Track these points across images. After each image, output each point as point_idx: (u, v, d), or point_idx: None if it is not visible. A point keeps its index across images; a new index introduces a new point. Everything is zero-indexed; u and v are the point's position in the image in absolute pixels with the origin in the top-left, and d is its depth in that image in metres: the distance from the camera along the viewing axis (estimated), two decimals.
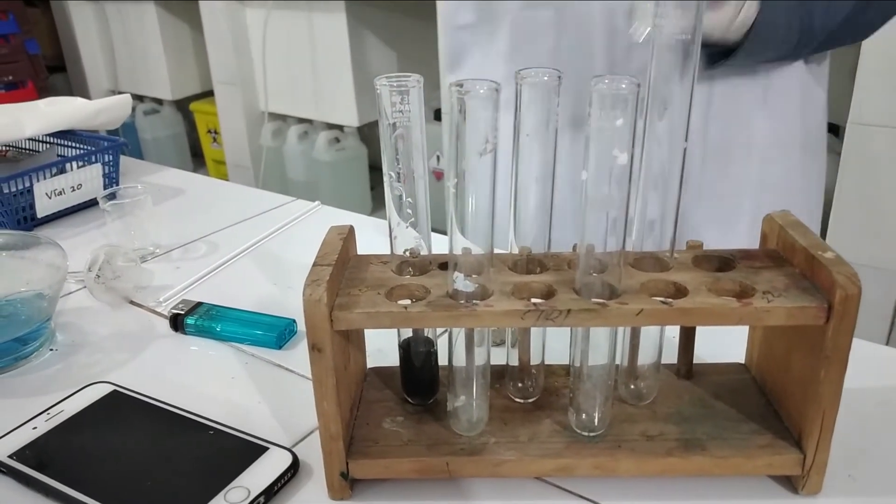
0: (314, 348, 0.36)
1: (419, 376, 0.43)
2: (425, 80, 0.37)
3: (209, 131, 2.56)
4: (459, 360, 0.39)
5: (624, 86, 0.32)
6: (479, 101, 0.33)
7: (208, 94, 2.54)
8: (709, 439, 0.40)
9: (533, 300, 0.37)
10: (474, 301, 0.36)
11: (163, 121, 2.71)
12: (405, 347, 0.43)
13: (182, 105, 2.67)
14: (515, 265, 0.40)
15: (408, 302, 0.38)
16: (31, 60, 2.59)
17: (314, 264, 0.38)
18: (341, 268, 0.40)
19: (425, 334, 0.43)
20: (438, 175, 1.99)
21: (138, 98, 2.71)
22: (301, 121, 2.31)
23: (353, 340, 0.42)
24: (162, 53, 2.55)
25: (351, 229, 0.42)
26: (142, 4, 2.52)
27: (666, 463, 0.39)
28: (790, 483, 0.40)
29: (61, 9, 2.80)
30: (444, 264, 0.40)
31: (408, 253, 0.40)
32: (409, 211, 0.39)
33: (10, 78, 2.52)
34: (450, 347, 0.39)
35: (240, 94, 2.34)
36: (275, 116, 2.36)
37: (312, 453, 0.43)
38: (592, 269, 0.37)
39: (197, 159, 2.75)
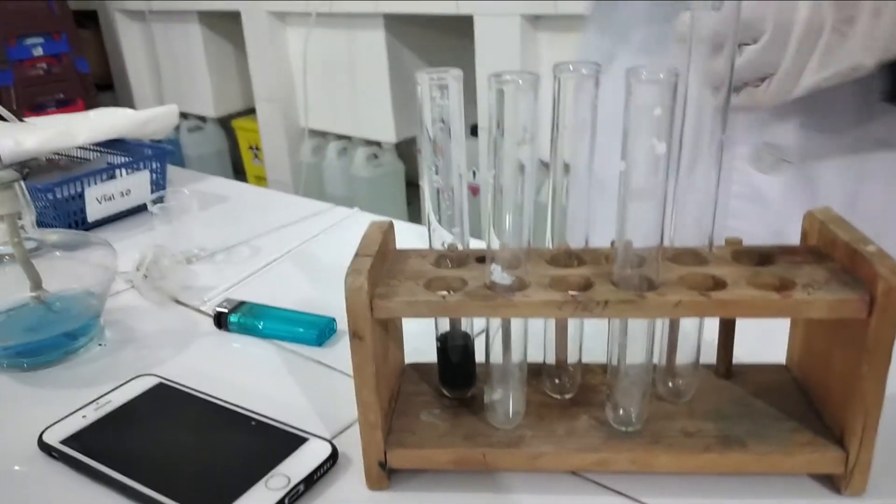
0: (355, 336, 0.37)
1: (456, 369, 0.43)
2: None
3: (251, 147, 2.62)
4: (496, 352, 0.40)
5: (662, 74, 0.33)
6: (517, 90, 0.34)
7: (250, 111, 2.60)
8: (748, 436, 0.39)
9: (570, 292, 0.37)
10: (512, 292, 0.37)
11: (206, 137, 2.77)
12: (443, 341, 0.43)
13: (225, 122, 2.74)
14: (553, 259, 0.41)
15: (446, 293, 0.38)
16: (81, 79, 2.68)
17: (356, 255, 0.39)
18: (382, 259, 0.40)
19: (462, 329, 0.43)
20: (474, 190, 2.01)
21: (183, 115, 2.78)
22: (340, 137, 2.34)
23: (391, 333, 0.43)
24: (206, 71, 2.62)
25: (391, 224, 0.43)
26: (187, 24, 2.59)
27: (704, 459, 0.38)
28: (833, 484, 0.39)
29: (110, 29, 2.90)
30: (481, 258, 0.41)
31: (446, 246, 0.41)
32: (448, 203, 0.39)
33: (62, 96, 2.62)
34: (487, 339, 0.40)
35: (281, 111, 2.39)
36: (315, 133, 2.40)
37: (351, 445, 0.43)
38: (630, 264, 0.37)
39: (238, 175, 2.82)
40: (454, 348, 0.43)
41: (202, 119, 2.77)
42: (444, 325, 0.43)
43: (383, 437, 0.40)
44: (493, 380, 0.41)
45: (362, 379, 0.38)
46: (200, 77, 2.65)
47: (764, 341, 0.46)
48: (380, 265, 0.40)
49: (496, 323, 0.39)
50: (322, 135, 2.39)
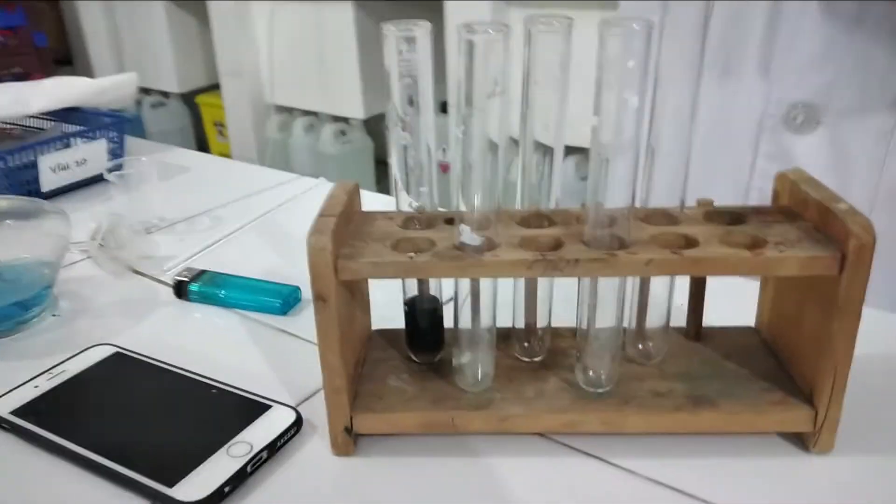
0: (319, 298, 0.36)
1: (424, 333, 0.42)
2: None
3: (215, 124, 2.57)
4: (465, 315, 0.39)
5: (636, 26, 0.32)
6: (488, 41, 0.32)
7: (214, 87, 2.54)
8: (718, 396, 0.39)
9: (540, 252, 0.36)
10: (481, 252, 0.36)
11: (169, 114, 2.71)
12: (410, 305, 0.42)
13: (188, 98, 2.68)
14: (523, 220, 0.40)
15: (413, 254, 0.37)
16: (39, 53, 2.60)
17: (319, 215, 0.37)
18: (346, 221, 0.39)
19: (430, 293, 0.42)
20: (444, 168, 1.99)
21: (145, 91, 2.71)
22: (307, 113, 2.30)
23: (357, 297, 0.42)
24: (169, 45, 2.55)
25: (356, 185, 0.42)
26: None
27: (674, 419, 0.38)
28: (801, 442, 0.39)
29: (69, 3, 2.81)
30: (450, 220, 0.40)
31: (413, 206, 0.40)
32: (414, 163, 0.38)
33: (18, 70, 2.53)
34: (455, 302, 0.39)
35: (246, 86, 2.34)
36: (281, 109, 2.36)
37: (317, 412, 0.42)
38: (601, 224, 0.36)
39: (203, 152, 2.76)
40: (422, 312, 0.42)
41: (165, 95, 2.70)
42: (412, 288, 0.42)
43: (349, 401, 0.39)
44: (462, 342, 0.40)
45: (327, 343, 0.37)
46: (163, 51, 2.58)
47: (734, 305, 0.46)
48: (344, 226, 0.38)
49: (465, 286, 0.38)
50: (289, 111, 2.35)
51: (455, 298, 0.38)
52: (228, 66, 2.37)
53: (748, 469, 0.38)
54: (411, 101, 0.38)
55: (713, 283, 0.43)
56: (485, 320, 0.39)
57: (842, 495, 0.36)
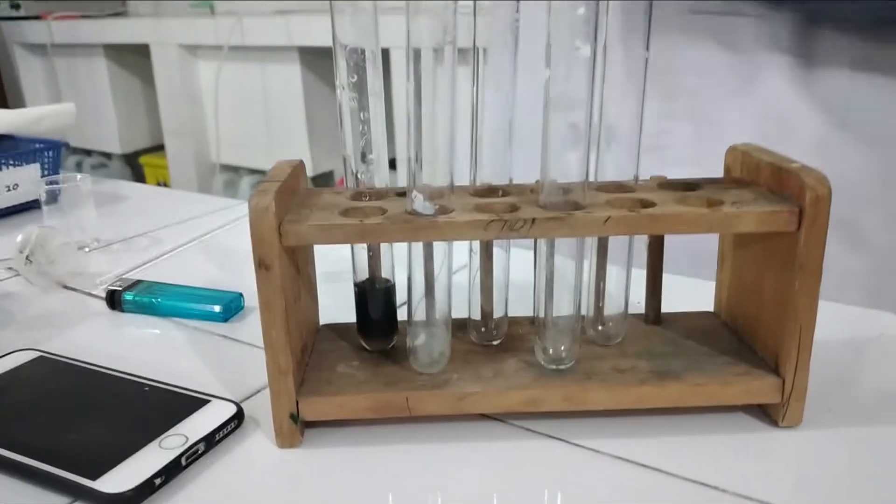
0: (261, 266, 0.34)
1: (376, 318, 0.40)
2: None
3: (159, 184, 2.52)
4: (418, 293, 0.37)
5: None
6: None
7: (159, 147, 2.51)
8: (683, 370, 0.38)
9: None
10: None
11: (111, 175, 2.65)
12: (361, 288, 0.40)
13: (131, 159, 2.63)
14: (476, 192, 0.38)
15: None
16: None
17: (261, 181, 0.35)
18: (291, 191, 0.37)
19: (382, 275, 0.40)
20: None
21: (87, 153, 2.66)
22: (253, 171, 2.28)
23: (304, 279, 0.39)
24: (111, 107, 2.52)
25: (301, 162, 0.40)
26: (92, 58, 2.50)
27: (639, 392, 0.36)
28: (769, 418, 0.38)
29: (8, 62, 2.76)
30: (402, 193, 0.38)
31: (362, 177, 0.38)
32: (364, 128, 0.37)
33: None
34: (409, 279, 0.37)
35: (191, 146, 2.31)
36: (226, 168, 2.33)
37: (260, 410, 0.39)
38: (556, 192, 0.35)
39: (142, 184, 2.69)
40: (374, 294, 0.40)
41: (107, 156, 2.65)
42: (363, 272, 0.40)
43: (295, 386, 0.36)
44: (416, 323, 0.38)
45: (270, 315, 0.34)
46: (106, 113, 2.54)
47: (690, 295, 0.45)
48: (289, 195, 0.37)
49: (419, 264, 0.37)
50: (235, 169, 2.33)
51: (409, 270, 0.36)
52: (173, 125, 2.35)
53: (716, 444, 0.36)
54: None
55: (669, 281, 0.43)
56: (440, 297, 0.37)
57: (813, 469, 0.35)
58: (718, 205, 0.35)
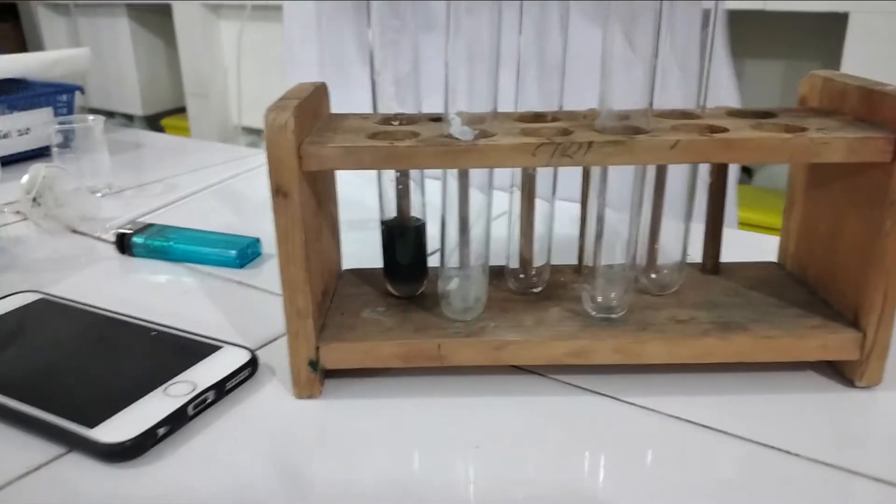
0: (279, 193, 0.30)
1: (406, 259, 0.36)
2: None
3: None
4: (453, 227, 0.33)
5: None
6: None
7: (180, 110, 2.48)
8: (749, 322, 0.33)
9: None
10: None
11: None
12: (389, 227, 0.36)
13: (153, 121, 2.61)
14: (521, 119, 0.34)
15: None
16: None
17: (279, 99, 0.31)
18: (313, 113, 0.33)
19: (412, 214, 0.36)
20: None
21: (109, 114, 2.63)
22: None
23: (325, 213, 0.36)
24: (134, 68, 2.49)
25: (324, 84, 0.36)
26: (114, 18, 2.47)
27: (702, 345, 0.32)
28: (843, 377, 0.34)
29: (31, 23, 2.74)
30: (436, 119, 0.34)
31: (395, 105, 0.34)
32: (397, 34, 0.33)
33: None
34: (443, 211, 0.33)
35: (213, 108, 2.28)
36: (249, 130, 2.30)
37: (276, 358, 0.36)
38: (615, 117, 0.31)
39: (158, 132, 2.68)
40: (403, 233, 0.36)
41: (129, 118, 2.63)
42: (391, 210, 0.36)
43: (315, 331, 0.32)
44: (449, 266, 0.34)
45: (288, 250, 0.30)
46: (128, 74, 2.52)
47: (752, 247, 0.41)
48: (310, 116, 0.33)
49: (454, 200, 0.33)
50: (257, 132, 2.29)
51: (443, 204, 0.32)
52: (195, 86, 2.32)
53: (785, 404, 0.32)
54: None
55: (727, 238, 0.38)
56: (477, 235, 0.33)
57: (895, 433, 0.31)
58: (801, 131, 0.31)
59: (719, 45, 0.33)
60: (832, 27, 1.48)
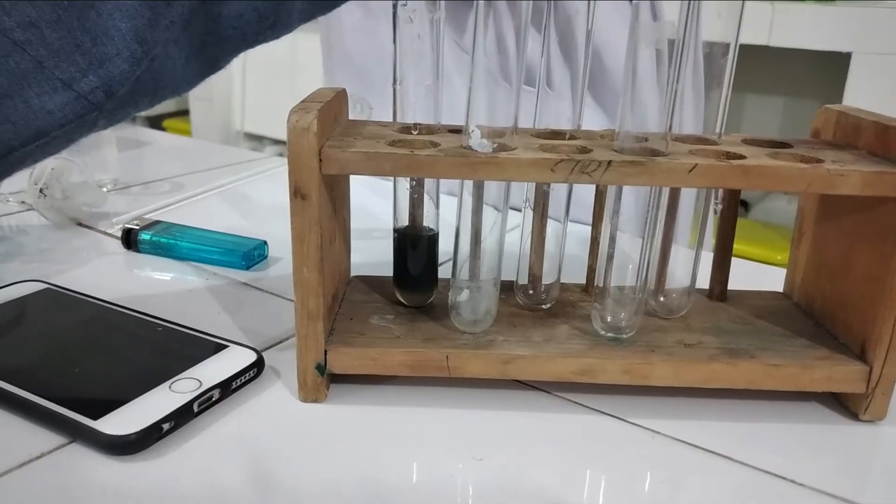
0: (298, 194, 0.30)
1: (416, 268, 0.36)
2: None
3: None
4: (466, 238, 0.33)
5: None
6: None
7: (183, 112, 2.48)
8: (756, 350, 0.34)
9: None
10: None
11: None
12: (401, 235, 0.36)
13: (155, 123, 2.61)
14: (540, 135, 0.34)
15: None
16: None
17: (300, 102, 0.32)
18: (333, 117, 0.33)
19: (424, 223, 0.36)
20: None
21: None
22: (277, 142, 2.25)
23: (339, 219, 0.36)
24: None
25: (343, 90, 0.36)
26: None
27: (709, 370, 0.32)
28: (847, 410, 0.34)
29: None
30: (455, 131, 0.34)
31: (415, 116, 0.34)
32: (419, 40, 0.33)
33: None
34: (458, 222, 0.33)
35: (215, 111, 2.29)
36: (250, 136, 2.31)
37: (282, 362, 0.36)
38: (634, 138, 0.31)
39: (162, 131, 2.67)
40: (414, 243, 0.36)
41: (132, 119, 2.62)
42: (404, 219, 0.36)
43: (324, 334, 0.32)
44: (460, 277, 0.34)
45: (303, 251, 0.30)
46: None
47: (758, 277, 0.41)
48: (331, 120, 0.33)
49: (468, 211, 0.33)
50: (258, 138, 2.30)
51: (458, 214, 0.33)
52: (199, 90, 2.32)
53: (789, 434, 0.32)
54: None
55: (734, 269, 0.39)
56: (489, 248, 0.33)
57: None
58: (817, 163, 0.31)
59: (698, 80, 0.34)
60: (834, 65, 1.50)
